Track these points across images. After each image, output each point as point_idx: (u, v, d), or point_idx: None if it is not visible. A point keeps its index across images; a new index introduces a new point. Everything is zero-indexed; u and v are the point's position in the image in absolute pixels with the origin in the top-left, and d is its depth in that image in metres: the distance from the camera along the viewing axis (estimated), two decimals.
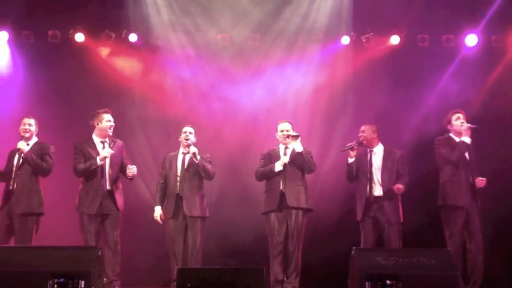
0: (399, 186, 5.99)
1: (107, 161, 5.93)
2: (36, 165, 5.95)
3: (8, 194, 5.95)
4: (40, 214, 5.99)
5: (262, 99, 7.40)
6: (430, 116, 6.97)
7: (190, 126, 6.21)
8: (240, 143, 7.29)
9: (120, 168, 6.05)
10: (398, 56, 7.38)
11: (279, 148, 6.19)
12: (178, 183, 6.04)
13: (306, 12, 7.49)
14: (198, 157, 6.00)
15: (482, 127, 5.97)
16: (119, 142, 6.12)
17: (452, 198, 5.92)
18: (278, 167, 5.98)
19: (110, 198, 5.91)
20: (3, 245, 5.55)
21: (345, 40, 7.45)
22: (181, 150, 6.19)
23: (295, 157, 6.00)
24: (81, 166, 5.91)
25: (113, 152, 5.91)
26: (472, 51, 7.30)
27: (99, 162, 5.87)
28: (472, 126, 5.96)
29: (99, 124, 6.01)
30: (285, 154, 6.09)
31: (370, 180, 6.05)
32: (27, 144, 6.04)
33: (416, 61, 7.30)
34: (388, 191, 6.03)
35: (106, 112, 6.04)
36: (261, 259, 6.17)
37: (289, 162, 6.01)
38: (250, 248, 6.79)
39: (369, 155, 6.16)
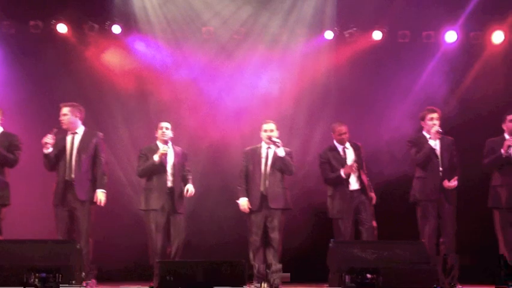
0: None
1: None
2: (3, 156, 5.81)
3: None
4: (5, 205, 5.85)
5: (245, 94, 7.39)
6: (409, 113, 7.01)
7: (167, 121, 6.19)
8: (222, 138, 7.29)
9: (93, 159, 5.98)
10: (380, 51, 7.43)
11: (261, 147, 6.22)
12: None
13: (291, 7, 7.49)
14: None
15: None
16: None
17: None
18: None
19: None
20: None
21: (329, 35, 7.49)
22: (160, 145, 6.16)
23: (277, 160, 6.08)
24: None
25: None
26: (452, 48, 7.39)
27: None
28: (440, 130, 5.95)
29: None
30: (267, 154, 6.14)
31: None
32: None
33: (397, 57, 7.38)
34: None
35: None
36: (242, 254, 6.21)
37: (270, 165, 6.10)
38: (231, 243, 6.81)
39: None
